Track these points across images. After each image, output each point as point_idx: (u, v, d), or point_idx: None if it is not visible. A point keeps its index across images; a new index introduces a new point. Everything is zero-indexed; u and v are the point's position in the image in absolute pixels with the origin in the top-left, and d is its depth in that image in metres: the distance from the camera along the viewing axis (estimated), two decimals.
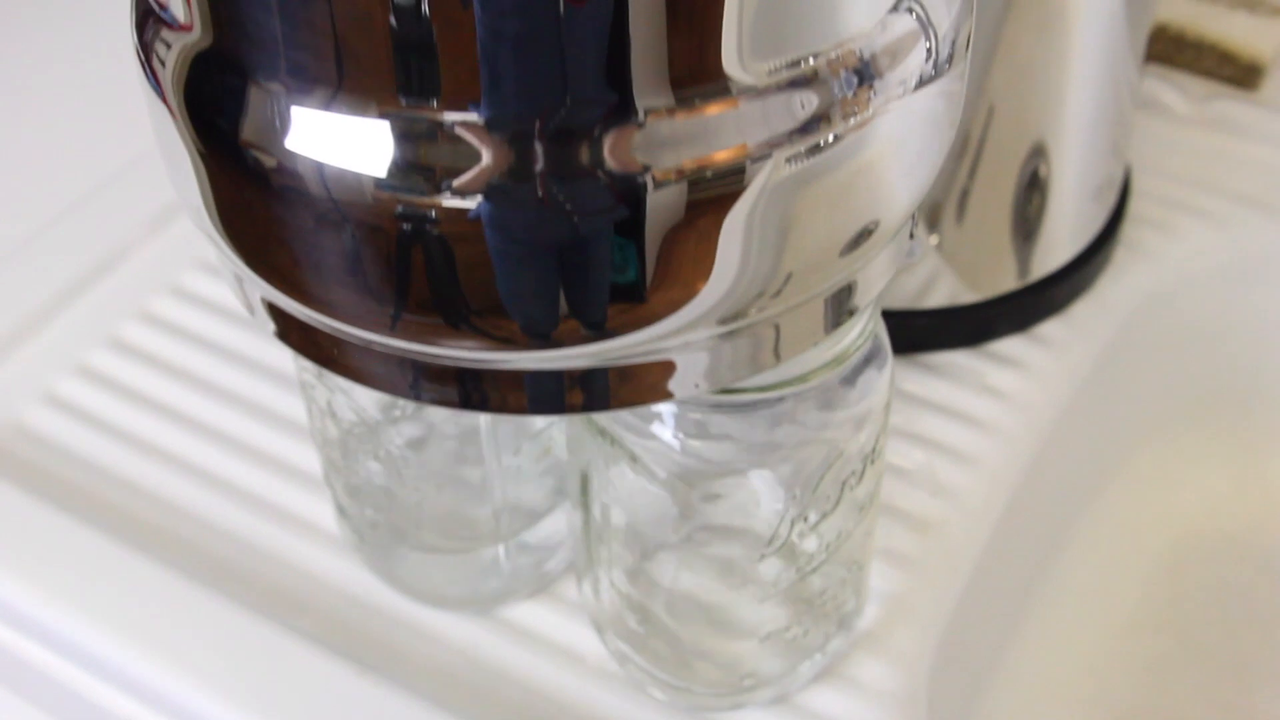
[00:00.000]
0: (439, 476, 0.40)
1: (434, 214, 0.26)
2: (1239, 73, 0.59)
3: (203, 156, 0.29)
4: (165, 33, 0.29)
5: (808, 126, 0.27)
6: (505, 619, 0.43)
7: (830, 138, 0.27)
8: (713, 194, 0.27)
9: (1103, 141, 0.50)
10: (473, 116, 0.25)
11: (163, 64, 0.30)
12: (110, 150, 0.58)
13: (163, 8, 0.29)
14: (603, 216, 0.26)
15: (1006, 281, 0.51)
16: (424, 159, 0.26)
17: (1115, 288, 0.53)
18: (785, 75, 0.26)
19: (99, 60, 0.64)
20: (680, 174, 0.26)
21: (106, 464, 0.48)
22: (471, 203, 0.26)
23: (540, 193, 0.26)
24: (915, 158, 0.30)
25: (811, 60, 0.27)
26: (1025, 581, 0.51)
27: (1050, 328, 0.52)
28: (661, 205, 0.26)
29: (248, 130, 0.28)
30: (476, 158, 0.26)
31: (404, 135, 0.26)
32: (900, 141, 0.29)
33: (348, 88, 0.26)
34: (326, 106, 0.26)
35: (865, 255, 0.30)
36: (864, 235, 0.30)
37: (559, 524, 0.42)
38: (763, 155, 0.27)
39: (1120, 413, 0.55)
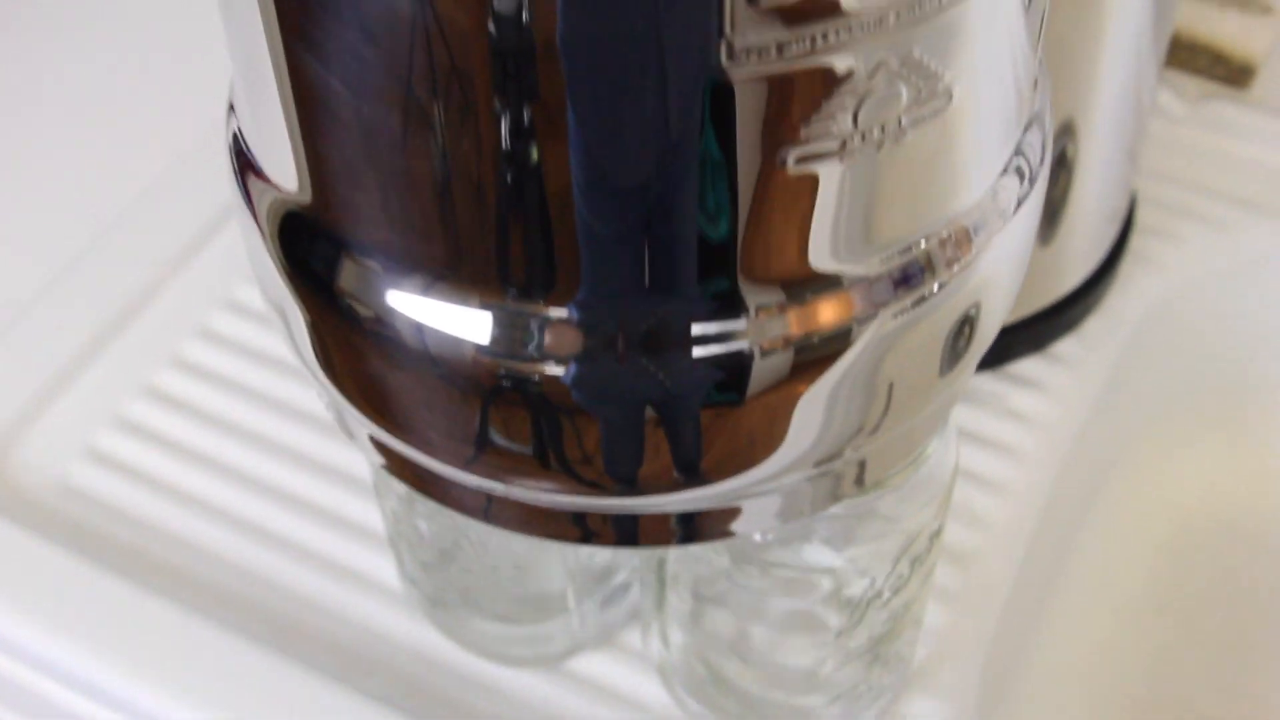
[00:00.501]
0: (516, 556, 0.41)
1: (535, 377, 0.27)
2: (1232, 73, 0.60)
3: (298, 294, 0.29)
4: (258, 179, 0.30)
5: (912, 282, 0.28)
6: (571, 671, 0.45)
7: (935, 288, 0.28)
8: (818, 356, 0.28)
9: (1124, 160, 0.51)
10: (574, 314, 0.26)
11: (258, 197, 0.30)
12: (118, 188, 0.58)
13: (253, 154, 0.30)
14: (708, 392, 0.27)
15: (1026, 305, 0.52)
16: (525, 340, 0.27)
17: (1124, 299, 0.55)
18: (897, 261, 0.27)
19: (97, 97, 0.63)
20: (786, 342, 0.27)
21: (157, 521, 0.48)
22: (570, 371, 0.26)
23: (641, 377, 0.26)
24: (1015, 267, 0.31)
25: (924, 243, 0.27)
26: (1048, 590, 0.53)
27: (1066, 345, 0.53)
28: (766, 372, 0.27)
29: (344, 281, 0.28)
30: (578, 342, 0.26)
31: (506, 324, 0.27)
32: (1002, 262, 0.30)
33: (449, 279, 0.27)
34: (425, 292, 0.27)
35: (963, 371, 0.31)
36: (961, 352, 0.31)
37: (629, 580, 0.44)
38: (869, 316, 0.28)
39: (1128, 415, 0.57)
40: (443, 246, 0.26)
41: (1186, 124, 0.60)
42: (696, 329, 0.26)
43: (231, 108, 0.31)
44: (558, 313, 0.26)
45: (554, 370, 0.26)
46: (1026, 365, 0.53)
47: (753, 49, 0.23)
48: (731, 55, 0.23)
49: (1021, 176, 0.29)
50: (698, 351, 0.26)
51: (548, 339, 0.26)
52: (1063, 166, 0.49)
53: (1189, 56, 0.61)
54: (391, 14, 0.23)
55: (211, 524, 0.48)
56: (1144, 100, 0.50)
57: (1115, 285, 0.55)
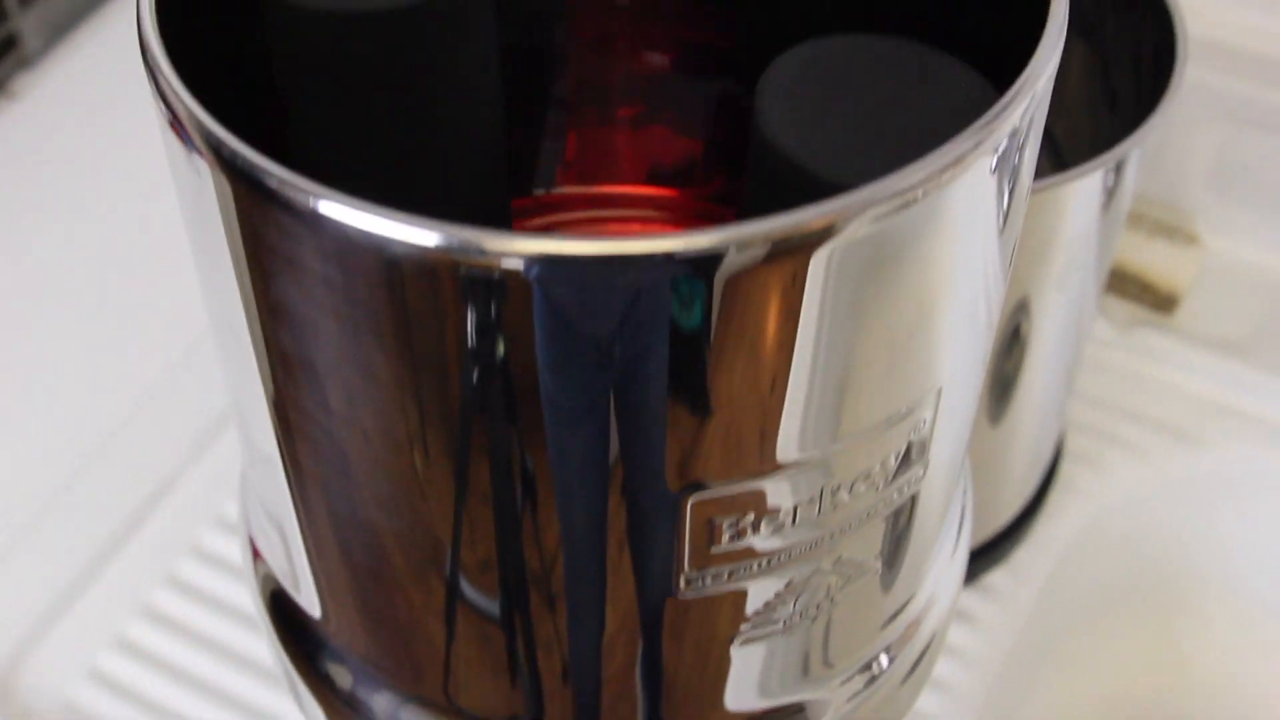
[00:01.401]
0: None
1: None
2: (1158, 300, 0.65)
3: (290, 661, 0.34)
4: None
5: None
6: None
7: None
8: None
9: (1061, 387, 0.55)
10: None
11: (256, 566, 0.35)
12: (110, 402, 0.62)
13: (254, 532, 0.34)
14: None
15: None
16: None
17: (1052, 527, 0.59)
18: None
19: (83, 315, 0.67)
20: None
21: None
22: None
23: None
24: None
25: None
26: None
27: (996, 577, 0.58)
28: None
29: (330, 672, 0.33)
30: None
31: None
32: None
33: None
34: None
35: None
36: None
37: None
38: None
39: (1057, 622, 0.61)
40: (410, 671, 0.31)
41: (1115, 348, 0.65)
42: None
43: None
44: None
45: None
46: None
47: (704, 576, 0.27)
48: (687, 583, 0.27)
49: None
50: None
51: None
52: (1005, 399, 0.53)
53: (1118, 283, 0.65)
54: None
55: None
56: (1084, 329, 0.54)
57: (1044, 514, 0.60)
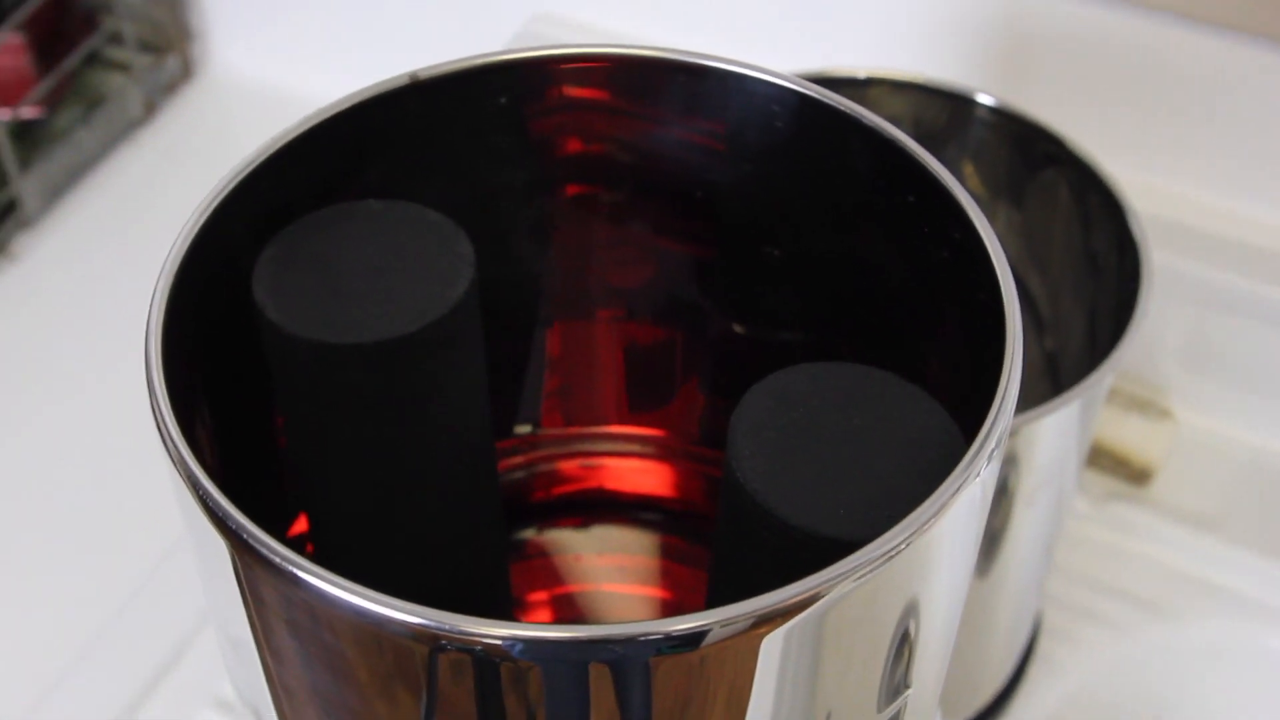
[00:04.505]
0: None
1: None
2: (1133, 473, 0.66)
3: None
4: None
5: None
6: None
7: None
8: None
9: (1041, 562, 0.56)
10: None
11: None
12: (99, 596, 0.63)
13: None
14: None
15: None
16: None
17: (1029, 704, 0.61)
18: None
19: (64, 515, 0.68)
20: None
21: None
22: None
23: None
24: None
25: None
26: None
27: None
28: None
29: None
30: None
31: None
32: None
33: None
34: None
35: None
36: None
37: None
38: None
39: None
40: None
41: (1091, 522, 0.66)
42: None
43: None
44: None
45: None
46: None
47: None
48: None
49: None
50: None
51: None
52: (984, 581, 0.54)
53: (1094, 457, 0.67)
54: None
55: None
56: (1064, 509, 0.55)
57: (1023, 691, 0.61)
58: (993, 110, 0.56)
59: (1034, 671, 0.62)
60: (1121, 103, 0.65)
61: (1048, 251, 0.59)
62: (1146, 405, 0.68)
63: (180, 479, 0.27)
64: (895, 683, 0.30)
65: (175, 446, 0.27)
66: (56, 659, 0.60)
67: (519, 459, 0.44)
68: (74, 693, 0.60)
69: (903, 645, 0.29)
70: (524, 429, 0.45)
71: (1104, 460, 0.67)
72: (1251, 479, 0.67)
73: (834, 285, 0.36)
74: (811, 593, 0.25)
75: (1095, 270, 0.56)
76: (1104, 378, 0.47)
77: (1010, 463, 0.47)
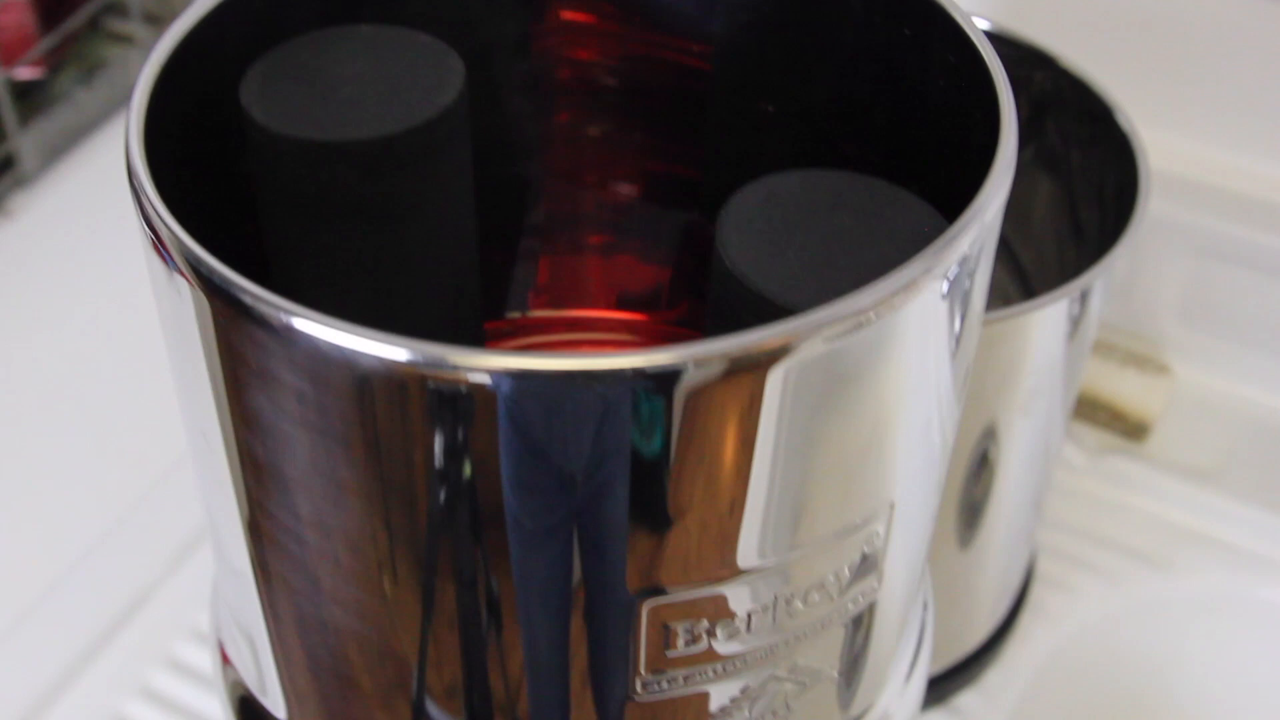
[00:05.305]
0: None
1: None
2: (1129, 428, 0.66)
3: None
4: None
5: None
6: None
7: None
8: None
9: (1030, 512, 0.56)
10: None
11: (225, 673, 0.36)
12: (85, 518, 0.63)
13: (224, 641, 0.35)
14: None
15: (933, 664, 0.57)
16: None
17: (1023, 650, 0.60)
18: None
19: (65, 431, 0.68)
20: None
21: None
22: None
23: None
24: None
25: None
26: None
27: (967, 698, 0.58)
28: None
29: None
30: None
31: None
32: None
33: None
34: None
35: None
36: None
37: None
38: None
39: None
40: None
41: (1087, 475, 0.66)
42: None
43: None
44: None
45: None
46: (929, 718, 0.57)
47: (660, 680, 0.28)
48: (644, 686, 0.28)
49: None
50: None
51: None
52: (974, 523, 0.54)
53: (1090, 411, 0.66)
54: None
55: None
56: (1052, 454, 0.55)
57: (1014, 637, 0.60)
58: (987, 35, 0.56)
59: (1026, 618, 0.61)
60: (1120, 57, 0.65)
61: (1031, 200, 0.59)
62: (1144, 361, 0.67)
63: (149, 231, 0.26)
64: (874, 503, 0.29)
65: (149, 201, 0.26)
66: (34, 583, 0.60)
67: (509, 341, 0.44)
68: (50, 617, 0.59)
69: (879, 450, 0.28)
70: (514, 314, 0.44)
71: (1100, 414, 0.66)
72: (1248, 433, 0.67)
73: (828, 132, 0.36)
74: (781, 341, 0.24)
75: (1078, 231, 0.56)
76: (1095, 279, 0.47)
77: (1004, 359, 0.47)
